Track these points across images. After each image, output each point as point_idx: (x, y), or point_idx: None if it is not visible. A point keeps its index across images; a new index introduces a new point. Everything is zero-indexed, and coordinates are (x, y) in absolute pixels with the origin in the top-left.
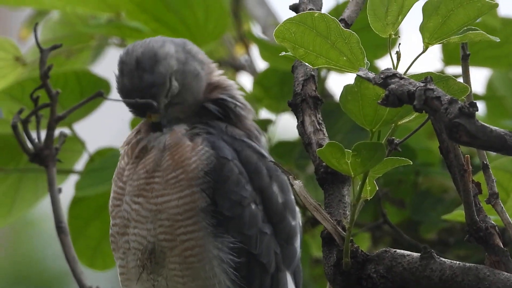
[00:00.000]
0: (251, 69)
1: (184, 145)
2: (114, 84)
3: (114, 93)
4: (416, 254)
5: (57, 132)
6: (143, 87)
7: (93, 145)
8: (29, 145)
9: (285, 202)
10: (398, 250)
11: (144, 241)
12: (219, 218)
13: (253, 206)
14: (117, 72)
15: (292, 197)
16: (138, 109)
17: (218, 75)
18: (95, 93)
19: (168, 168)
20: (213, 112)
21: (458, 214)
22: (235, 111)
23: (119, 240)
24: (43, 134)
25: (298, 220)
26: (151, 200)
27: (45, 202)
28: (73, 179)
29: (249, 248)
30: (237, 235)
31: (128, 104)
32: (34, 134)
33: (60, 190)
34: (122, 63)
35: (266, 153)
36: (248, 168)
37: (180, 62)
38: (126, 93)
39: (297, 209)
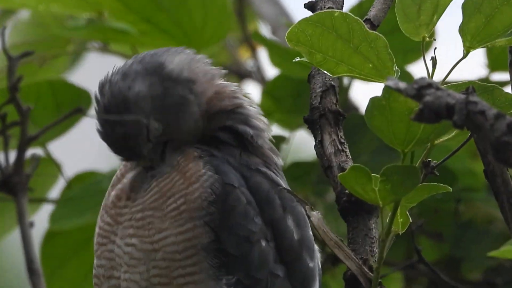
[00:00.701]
0: (258, 76)
1: (188, 170)
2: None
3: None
4: None
5: (28, 154)
6: (118, 138)
7: (70, 168)
8: None
9: (302, 238)
10: None
11: (136, 286)
12: (223, 258)
13: (263, 243)
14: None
15: (310, 232)
16: (122, 157)
17: (219, 84)
18: (73, 108)
19: (168, 198)
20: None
21: (507, 250)
22: (252, 142)
23: (104, 284)
24: (12, 156)
25: (317, 261)
26: (147, 239)
27: (13, 238)
28: (47, 209)
29: None
30: (244, 278)
31: (111, 151)
32: (1, 157)
33: (32, 224)
34: (96, 105)
35: (282, 181)
36: (258, 198)
37: (156, 98)
38: (106, 142)
39: (316, 247)
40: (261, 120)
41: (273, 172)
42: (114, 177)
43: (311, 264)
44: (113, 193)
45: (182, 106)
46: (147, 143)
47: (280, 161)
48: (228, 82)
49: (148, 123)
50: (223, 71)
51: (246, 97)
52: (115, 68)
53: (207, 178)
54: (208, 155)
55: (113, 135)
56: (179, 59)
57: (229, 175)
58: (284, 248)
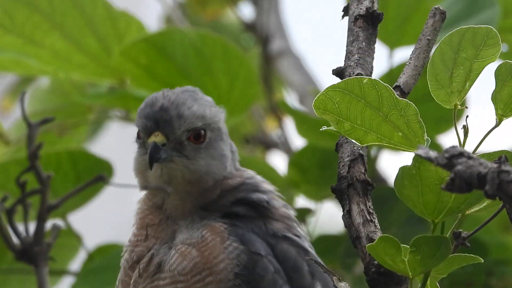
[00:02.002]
0: (285, 147)
1: (213, 241)
2: (117, 165)
3: (117, 177)
4: None
5: (48, 224)
6: (180, 104)
7: (91, 240)
8: (15, 239)
9: None
10: None
11: None
12: None
13: None
14: (141, 109)
15: None
16: (152, 121)
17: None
18: (94, 177)
19: (192, 270)
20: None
21: None
22: (268, 207)
23: None
24: (32, 226)
25: None
26: None
27: None
28: (67, 282)
29: None
30: None
31: (145, 111)
32: (21, 227)
33: None
34: (151, 101)
35: (308, 246)
36: (285, 266)
37: (220, 129)
38: (152, 104)
39: None
40: (267, 183)
41: (297, 236)
42: (125, 254)
43: None
44: (128, 267)
45: (223, 156)
46: (185, 133)
47: (297, 224)
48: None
49: (205, 128)
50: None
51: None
52: None
53: (232, 249)
54: (231, 225)
55: (179, 103)
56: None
57: (255, 244)
58: None
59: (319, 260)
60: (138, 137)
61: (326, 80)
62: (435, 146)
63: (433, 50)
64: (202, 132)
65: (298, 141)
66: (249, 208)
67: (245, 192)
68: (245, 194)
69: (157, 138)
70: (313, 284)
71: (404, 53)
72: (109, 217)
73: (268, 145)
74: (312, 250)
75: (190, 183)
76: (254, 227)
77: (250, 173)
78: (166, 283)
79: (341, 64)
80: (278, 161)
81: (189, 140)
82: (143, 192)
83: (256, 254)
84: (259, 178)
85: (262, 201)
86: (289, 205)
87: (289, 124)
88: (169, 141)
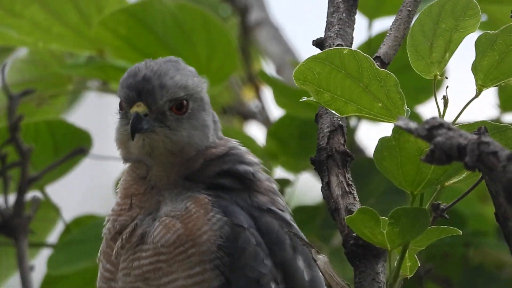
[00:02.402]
0: (263, 117)
1: (196, 213)
2: (96, 136)
3: (96, 147)
4: None
5: (28, 196)
6: (162, 74)
7: (69, 212)
8: None
9: (313, 279)
10: None
11: None
12: None
13: (273, 286)
14: (123, 80)
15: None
16: (134, 91)
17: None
18: (74, 149)
19: (175, 242)
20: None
21: None
22: (254, 180)
23: None
24: (11, 198)
25: None
26: (153, 283)
27: (11, 283)
28: (45, 254)
29: None
30: None
31: (127, 81)
32: (0, 199)
33: (32, 268)
34: (133, 71)
35: (290, 220)
36: (268, 239)
37: (202, 99)
38: (135, 75)
39: None
40: (252, 155)
41: (280, 210)
42: (107, 223)
43: None
44: (111, 237)
45: (205, 127)
46: (167, 103)
47: (279, 196)
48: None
49: (187, 99)
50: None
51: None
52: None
53: (216, 220)
54: (215, 197)
55: (161, 72)
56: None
57: (238, 216)
58: None
59: (301, 233)
60: (121, 107)
61: (305, 50)
62: (415, 116)
63: (413, 21)
64: (185, 102)
65: (276, 112)
66: (235, 180)
67: (231, 163)
68: (231, 166)
69: (139, 108)
70: (295, 258)
71: (383, 24)
72: (87, 188)
73: (246, 115)
74: (294, 224)
75: (172, 153)
76: (238, 200)
77: (233, 142)
78: (149, 255)
79: (321, 35)
80: (256, 132)
81: (171, 110)
82: (121, 163)
83: (238, 226)
84: (243, 148)
85: (248, 173)
86: (271, 178)
87: (267, 95)
88: (151, 112)
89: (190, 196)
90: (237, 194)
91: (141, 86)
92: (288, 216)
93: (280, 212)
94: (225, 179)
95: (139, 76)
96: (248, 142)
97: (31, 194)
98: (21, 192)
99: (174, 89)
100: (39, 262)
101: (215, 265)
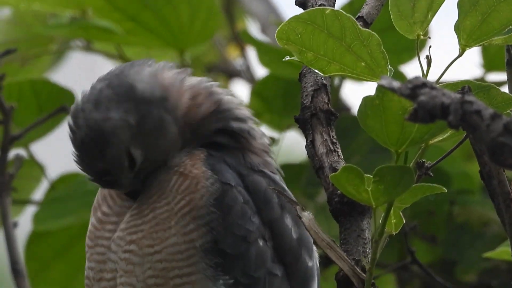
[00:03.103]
0: (247, 76)
1: (192, 170)
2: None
3: None
4: None
5: (11, 154)
6: (99, 174)
7: (54, 170)
8: None
9: (301, 237)
10: None
11: None
12: (220, 258)
13: (260, 243)
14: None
15: None
16: (103, 187)
17: (191, 87)
18: (57, 108)
19: (173, 198)
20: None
21: (503, 252)
22: (248, 137)
23: (95, 286)
24: None
25: (315, 261)
26: (147, 241)
27: None
28: (30, 211)
29: None
30: (241, 278)
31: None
32: None
33: (15, 224)
34: (72, 136)
35: (279, 180)
36: (255, 197)
37: (134, 126)
38: (85, 172)
39: (314, 247)
40: (242, 106)
41: (272, 172)
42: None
43: (310, 264)
44: (103, 194)
45: (161, 128)
46: (129, 173)
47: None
48: (198, 78)
49: (131, 153)
50: (189, 69)
51: (220, 88)
52: (85, 95)
53: (208, 177)
54: (206, 155)
55: (95, 170)
56: (146, 76)
57: (225, 174)
58: (282, 247)
59: (289, 192)
60: None
61: (289, 10)
62: (398, 75)
63: None
64: (136, 152)
65: (260, 71)
66: (230, 137)
67: (223, 121)
68: (225, 124)
69: (122, 191)
70: (283, 216)
71: None
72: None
73: (230, 74)
74: (283, 184)
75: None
76: (228, 158)
77: (216, 93)
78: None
79: None
80: (241, 91)
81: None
82: None
83: (225, 184)
84: (230, 99)
85: (243, 132)
86: (264, 133)
87: (252, 53)
88: (126, 186)
89: (186, 151)
90: (229, 152)
91: (100, 179)
92: (277, 177)
93: (270, 173)
94: (220, 137)
95: (91, 171)
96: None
97: (15, 152)
98: (3, 150)
99: (116, 171)
100: (24, 220)
101: (206, 222)
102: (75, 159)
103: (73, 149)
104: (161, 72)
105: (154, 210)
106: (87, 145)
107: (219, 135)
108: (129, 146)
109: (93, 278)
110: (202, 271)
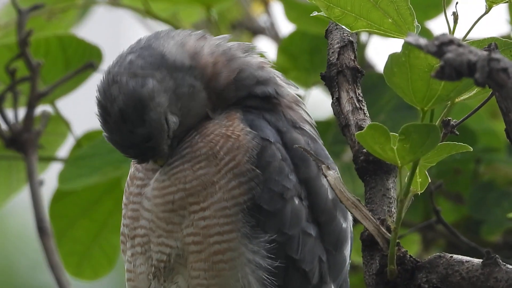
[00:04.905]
0: (272, 33)
1: (232, 126)
2: (105, 51)
3: (107, 63)
4: (477, 261)
5: (38, 111)
6: (139, 142)
7: (80, 126)
8: (4, 126)
9: (336, 198)
10: (455, 256)
11: (166, 249)
12: (257, 214)
13: (296, 201)
14: (98, 116)
15: None
16: (141, 159)
17: (211, 52)
18: (84, 64)
19: (214, 157)
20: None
21: None
22: (279, 98)
23: (128, 242)
24: (21, 113)
25: (349, 223)
26: (191, 199)
27: (21, 197)
28: (55, 168)
29: (289, 252)
30: (276, 235)
31: (126, 154)
32: (10, 114)
33: (41, 182)
34: (103, 112)
35: (316, 136)
36: (293, 154)
37: (169, 91)
38: (120, 148)
39: None
40: (264, 66)
41: (309, 124)
42: None
43: (344, 225)
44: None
45: (192, 94)
46: (167, 140)
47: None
48: (216, 42)
49: (167, 119)
50: (207, 33)
51: (238, 46)
52: (113, 67)
53: (247, 133)
54: (244, 112)
55: (134, 139)
56: (173, 46)
57: (264, 130)
58: (318, 207)
59: (325, 151)
60: None
61: None
62: (425, 32)
63: None
64: (172, 118)
65: (285, 27)
66: (260, 100)
67: (246, 88)
68: (249, 90)
69: (158, 163)
70: (319, 175)
71: None
72: None
73: (255, 31)
74: (320, 141)
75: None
76: (267, 115)
77: (236, 59)
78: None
79: None
80: (265, 47)
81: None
82: None
83: (265, 140)
84: (250, 62)
85: (270, 94)
86: (291, 84)
87: (276, 9)
88: (165, 154)
89: (223, 113)
90: (268, 110)
91: (140, 150)
92: (316, 134)
93: (309, 130)
94: (251, 101)
95: (130, 142)
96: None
97: (42, 109)
98: (30, 106)
99: (157, 137)
100: (49, 177)
101: (249, 178)
102: (109, 135)
103: (107, 125)
104: (185, 41)
105: (196, 168)
106: (126, 115)
107: (250, 99)
108: (167, 112)
109: (128, 235)
110: (241, 229)
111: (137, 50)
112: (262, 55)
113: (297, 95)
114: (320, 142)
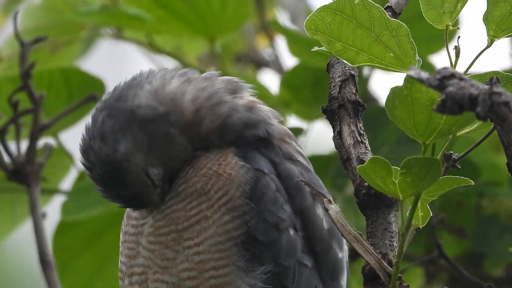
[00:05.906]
0: (276, 66)
1: (225, 161)
2: (108, 83)
3: None
4: None
5: (40, 143)
6: (126, 200)
7: None
8: (7, 159)
9: (332, 228)
10: None
11: (162, 285)
12: (252, 247)
13: (291, 232)
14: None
15: None
16: (136, 209)
17: (192, 99)
18: (87, 96)
19: (208, 191)
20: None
21: None
22: (269, 137)
23: (126, 279)
24: (23, 145)
25: (345, 253)
26: (186, 234)
27: (24, 230)
28: (58, 201)
29: (285, 282)
30: (272, 266)
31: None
32: (13, 146)
33: (44, 215)
34: (88, 172)
35: (310, 167)
36: (287, 185)
37: (144, 146)
38: (115, 202)
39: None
40: (253, 108)
41: (302, 157)
42: None
43: (340, 255)
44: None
45: (170, 142)
46: (155, 189)
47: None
48: (202, 84)
49: (148, 174)
50: (193, 70)
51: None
52: (89, 130)
53: (241, 166)
54: (236, 147)
55: (121, 197)
56: (147, 93)
57: (258, 161)
58: (313, 237)
59: (320, 181)
60: None
61: (319, 1)
62: (427, 66)
63: None
64: (153, 171)
65: (289, 61)
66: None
67: (234, 133)
68: (237, 134)
69: (154, 206)
70: (314, 205)
71: None
72: None
73: (259, 63)
74: (313, 172)
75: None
76: (260, 148)
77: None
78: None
79: None
80: (269, 80)
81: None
82: None
83: (258, 170)
84: (237, 106)
85: (262, 136)
86: (281, 115)
87: (281, 43)
88: (157, 201)
89: (216, 149)
90: (260, 146)
91: (132, 204)
92: (310, 166)
93: (303, 162)
94: (242, 141)
95: (120, 200)
96: (262, 90)
97: (44, 141)
98: (33, 138)
99: (142, 193)
100: (52, 210)
101: (242, 212)
102: (99, 192)
103: (95, 183)
104: (162, 87)
105: (191, 206)
106: (107, 179)
107: (241, 139)
108: (146, 167)
109: (125, 272)
110: (236, 263)
111: (109, 105)
112: (252, 91)
113: (288, 131)
114: (313, 172)
